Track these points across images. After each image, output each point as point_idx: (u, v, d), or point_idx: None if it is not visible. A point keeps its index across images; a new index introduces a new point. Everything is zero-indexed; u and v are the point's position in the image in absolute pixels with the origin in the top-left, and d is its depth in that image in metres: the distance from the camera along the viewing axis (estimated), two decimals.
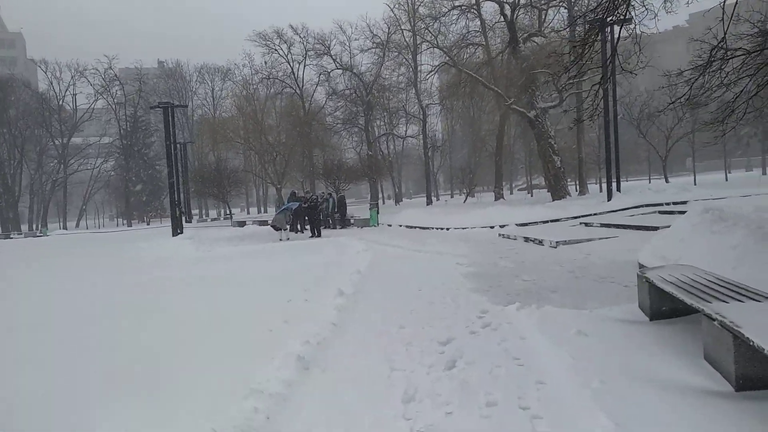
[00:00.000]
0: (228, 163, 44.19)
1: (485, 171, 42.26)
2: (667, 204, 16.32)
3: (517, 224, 16.08)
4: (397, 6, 31.67)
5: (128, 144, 53.61)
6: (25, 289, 10.53)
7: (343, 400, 3.73)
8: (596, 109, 7.49)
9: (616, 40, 7.30)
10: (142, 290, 8.99)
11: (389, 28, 34.93)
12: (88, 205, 57.63)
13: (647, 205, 16.34)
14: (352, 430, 3.28)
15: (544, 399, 3.44)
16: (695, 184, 26.46)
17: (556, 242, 11.15)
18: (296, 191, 23.05)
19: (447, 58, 24.23)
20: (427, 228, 18.53)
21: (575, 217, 15.97)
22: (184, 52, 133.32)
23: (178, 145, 43.41)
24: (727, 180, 34.42)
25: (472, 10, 26.45)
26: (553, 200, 21.35)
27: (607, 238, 11.36)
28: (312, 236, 19.00)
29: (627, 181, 40.09)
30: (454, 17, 26.94)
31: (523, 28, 23.15)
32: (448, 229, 17.41)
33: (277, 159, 41.20)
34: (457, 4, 25.44)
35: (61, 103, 52.83)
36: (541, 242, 11.79)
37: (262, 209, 59.37)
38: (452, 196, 53.48)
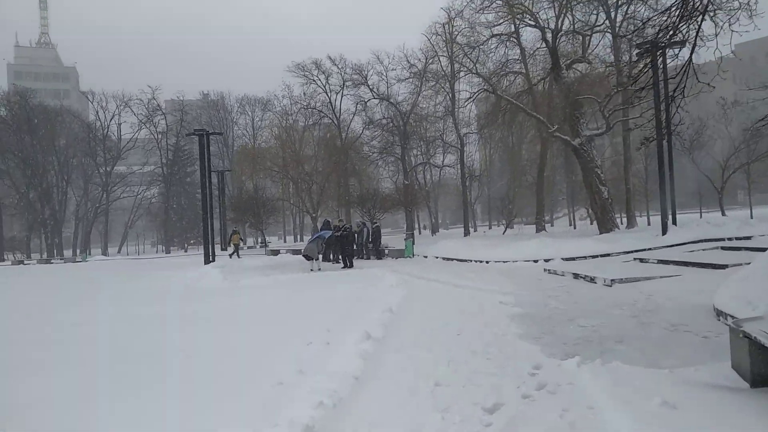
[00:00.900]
0: (265, 191, 44.27)
1: (524, 202, 40.93)
2: (729, 239, 14.88)
3: (563, 258, 14.91)
4: (434, 35, 31.33)
5: (169, 172, 54.65)
6: None
7: None
8: (669, 128, 6.46)
9: (684, 64, 6.34)
10: (141, 326, 8.32)
11: (426, 58, 34.57)
12: (130, 232, 58.77)
13: (706, 240, 14.93)
14: None
15: None
16: (752, 218, 24.62)
17: (611, 280, 10.00)
18: (330, 220, 22.41)
19: (486, 85, 23.48)
20: (466, 260, 17.51)
21: (627, 252, 14.70)
22: (225, 84, 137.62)
23: (216, 174, 44.16)
24: None
25: (511, 39, 25.81)
26: (600, 233, 20.02)
27: (668, 276, 10.14)
28: (344, 267, 18.25)
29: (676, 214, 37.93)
30: (492, 46, 26.34)
31: (566, 54, 22.26)
32: (487, 262, 16.36)
33: (313, 188, 40.96)
34: (496, 32, 24.83)
35: (106, 132, 54.49)
36: (593, 279, 10.65)
37: (298, 238, 59.23)
38: (490, 227, 52.07)
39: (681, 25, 6.43)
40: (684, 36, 7.28)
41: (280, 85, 77.89)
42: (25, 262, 38.54)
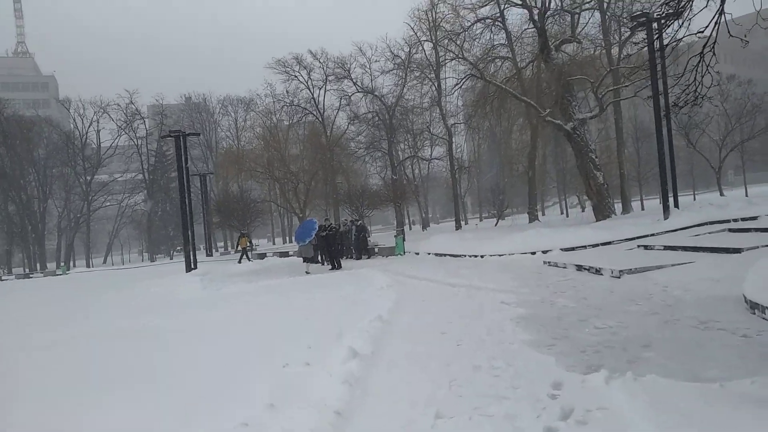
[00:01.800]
0: (250, 193, 43.17)
1: (515, 192, 40.17)
2: (735, 221, 14.13)
3: (562, 249, 14.12)
4: (417, 21, 30.41)
5: (152, 179, 53.33)
6: None
7: None
8: (698, 91, 5.61)
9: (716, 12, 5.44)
10: (93, 346, 7.38)
11: (410, 48, 33.70)
12: (115, 241, 57.37)
13: (711, 223, 14.17)
14: None
15: None
16: (747, 197, 24.05)
17: (619, 271, 9.19)
18: (315, 219, 21.51)
19: (473, 70, 22.56)
20: (459, 256, 16.67)
21: (630, 239, 13.90)
22: (208, 85, 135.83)
23: (198, 177, 42.96)
24: None
25: (496, 23, 24.96)
26: (597, 220, 19.28)
27: (680, 264, 9.33)
28: (332, 268, 17.36)
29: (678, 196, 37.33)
30: (478, 31, 25.48)
31: (554, 35, 21.41)
32: (482, 256, 15.53)
33: (299, 187, 39.94)
34: (480, 15, 23.98)
35: (84, 140, 52.98)
36: (599, 271, 9.84)
37: (287, 239, 58.18)
38: (481, 220, 51.37)
39: None
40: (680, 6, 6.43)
41: (263, 84, 76.46)
42: (3, 277, 37.20)
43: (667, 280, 8.22)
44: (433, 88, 33.13)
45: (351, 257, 21.02)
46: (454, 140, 35.89)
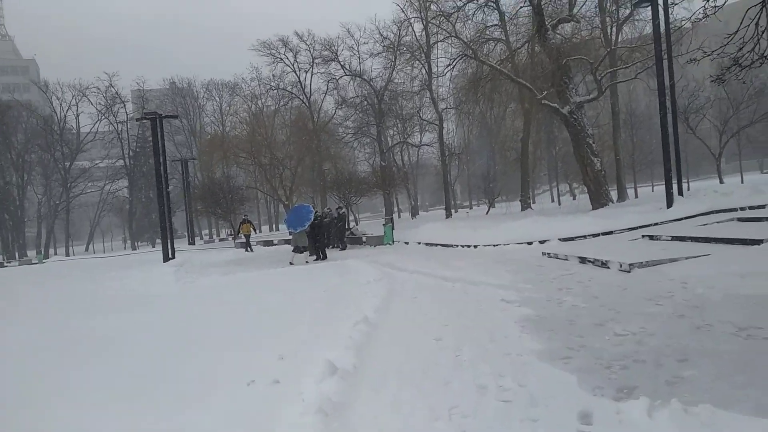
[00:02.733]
0: (235, 180, 41.92)
1: (506, 179, 39.38)
2: (742, 209, 13.38)
3: (560, 239, 13.33)
4: (407, 2, 29.19)
5: (134, 165, 51.83)
6: None
7: None
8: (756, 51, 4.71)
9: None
10: (28, 353, 6.43)
11: (399, 29, 32.53)
12: (97, 229, 55.91)
13: (718, 211, 13.42)
14: None
15: None
16: (743, 183, 23.46)
17: (629, 265, 8.36)
18: (309, 205, 20.58)
19: (467, 50, 21.51)
20: (451, 245, 15.85)
21: (632, 228, 13.11)
22: (191, 69, 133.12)
23: (181, 163, 41.60)
24: None
25: (489, 4, 23.95)
26: (594, 208, 18.51)
27: (695, 257, 8.52)
28: (317, 259, 16.47)
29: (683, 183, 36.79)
30: (470, 12, 24.46)
31: (550, 14, 20.41)
32: (475, 246, 14.71)
33: (284, 173, 38.77)
34: None
35: (63, 124, 51.18)
36: (605, 264, 9.01)
37: (274, 227, 57.01)
38: (471, 207, 50.62)
39: None
40: None
41: (248, 68, 74.61)
42: None
43: (685, 276, 7.39)
44: (424, 72, 32.05)
45: (336, 247, 20.14)
46: (444, 125, 34.91)
